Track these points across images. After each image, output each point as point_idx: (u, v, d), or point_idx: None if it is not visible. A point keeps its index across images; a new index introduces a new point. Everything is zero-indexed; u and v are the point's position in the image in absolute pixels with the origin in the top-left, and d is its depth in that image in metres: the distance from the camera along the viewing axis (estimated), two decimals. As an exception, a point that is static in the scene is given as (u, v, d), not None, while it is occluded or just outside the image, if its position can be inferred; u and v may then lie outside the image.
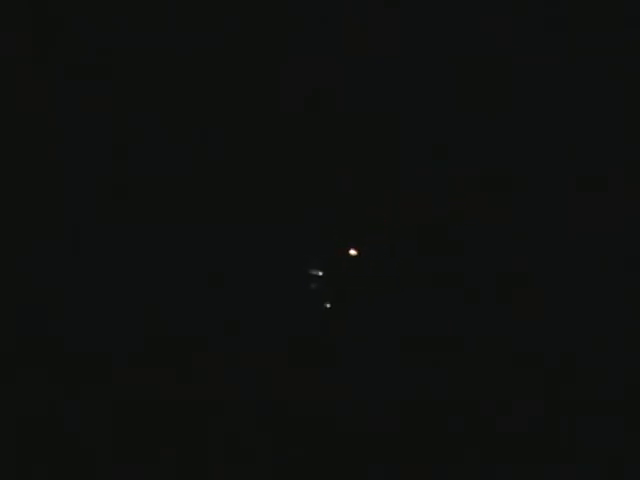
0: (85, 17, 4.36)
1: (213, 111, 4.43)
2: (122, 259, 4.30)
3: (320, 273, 4.37)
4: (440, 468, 3.99)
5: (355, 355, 4.25)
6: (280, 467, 3.99)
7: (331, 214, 4.43)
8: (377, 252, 4.39)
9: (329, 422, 4.08)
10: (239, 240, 4.39)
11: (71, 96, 4.35)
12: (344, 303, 4.37)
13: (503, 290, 4.29)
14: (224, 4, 4.41)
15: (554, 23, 4.38)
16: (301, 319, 4.34)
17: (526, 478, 3.96)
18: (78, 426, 3.97)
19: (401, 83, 4.44)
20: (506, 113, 4.39)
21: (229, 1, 4.41)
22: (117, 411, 4.02)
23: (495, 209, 4.36)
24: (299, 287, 4.38)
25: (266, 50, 4.42)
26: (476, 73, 4.41)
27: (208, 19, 4.41)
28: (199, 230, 4.37)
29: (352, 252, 4.32)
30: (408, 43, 4.41)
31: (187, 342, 4.21)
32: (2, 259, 4.21)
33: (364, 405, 4.11)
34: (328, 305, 4.38)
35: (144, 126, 4.39)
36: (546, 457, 4.03)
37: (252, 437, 4.03)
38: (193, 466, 3.96)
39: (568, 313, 4.22)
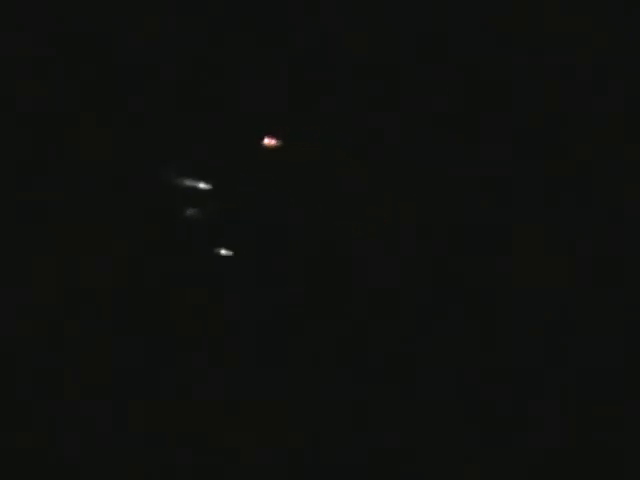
0: (85, 17, 4.36)
1: (213, 111, 4.43)
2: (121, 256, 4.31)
3: None
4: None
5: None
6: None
7: (331, 213, 4.43)
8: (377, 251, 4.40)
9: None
10: (237, 240, 4.40)
11: (71, 96, 4.36)
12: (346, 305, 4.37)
13: (503, 290, 4.29)
14: (224, 5, 4.41)
15: (554, 23, 4.38)
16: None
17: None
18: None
19: (401, 83, 4.44)
20: (506, 113, 4.40)
21: (229, 2, 4.41)
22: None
23: (495, 209, 4.36)
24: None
25: (265, 50, 4.42)
26: (476, 73, 4.41)
27: (208, 19, 4.41)
28: (198, 229, 4.38)
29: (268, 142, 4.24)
30: (408, 43, 4.42)
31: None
32: (2, 263, 4.22)
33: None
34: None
35: (144, 125, 4.39)
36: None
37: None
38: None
39: (568, 313, 4.22)
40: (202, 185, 4.37)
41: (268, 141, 4.25)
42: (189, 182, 4.37)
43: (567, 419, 4.09)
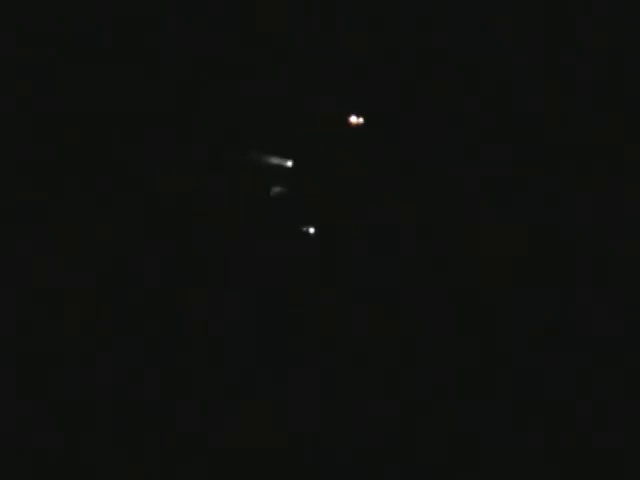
0: (85, 17, 4.36)
1: (212, 112, 4.43)
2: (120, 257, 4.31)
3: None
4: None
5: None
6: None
7: (331, 213, 4.43)
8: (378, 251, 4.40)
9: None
10: (237, 241, 4.40)
11: (71, 96, 4.36)
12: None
13: (502, 290, 4.30)
14: (225, 6, 4.41)
15: (554, 23, 4.38)
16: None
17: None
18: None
19: (400, 83, 4.44)
20: (506, 113, 4.40)
21: (230, 3, 4.42)
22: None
23: (494, 209, 4.37)
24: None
25: (265, 51, 4.42)
26: (476, 73, 4.41)
27: (209, 20, 4.41)
28: (197, 231, 4.38)
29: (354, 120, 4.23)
30: (407, 43, 4.42)
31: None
32: (2, 263, 4.22)
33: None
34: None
35: (144, 125, 4.39)
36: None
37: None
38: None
39: (567, 314, 4.22)
40: (202, 185, 4.38)
41: (354, 120, 4.23)
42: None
43: (567, 418, 4.09)
